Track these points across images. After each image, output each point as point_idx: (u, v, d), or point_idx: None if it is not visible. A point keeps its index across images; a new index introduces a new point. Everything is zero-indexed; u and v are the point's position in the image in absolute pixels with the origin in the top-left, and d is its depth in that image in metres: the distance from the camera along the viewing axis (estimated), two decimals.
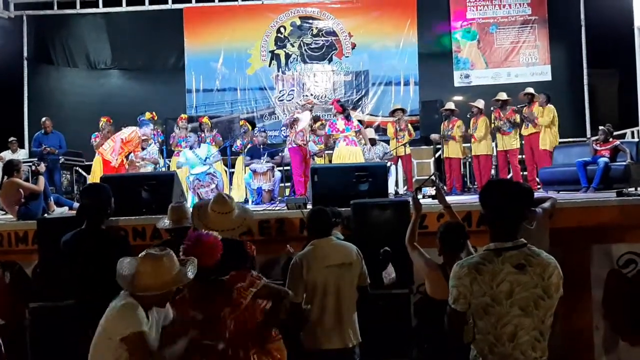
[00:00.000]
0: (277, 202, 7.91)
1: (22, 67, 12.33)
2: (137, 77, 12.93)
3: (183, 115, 10.20)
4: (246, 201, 8.70)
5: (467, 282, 2.37)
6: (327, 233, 3.78)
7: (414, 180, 9.73)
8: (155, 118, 9.68)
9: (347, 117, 8.82)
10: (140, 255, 2.92)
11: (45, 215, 6.52)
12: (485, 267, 2.37)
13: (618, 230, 5.62)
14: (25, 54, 12.36)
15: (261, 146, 9.55)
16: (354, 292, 3.74)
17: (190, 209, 5.07)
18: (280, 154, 9.54)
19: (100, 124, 9.48)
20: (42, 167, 7.08)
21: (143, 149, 9.02)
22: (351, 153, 8.59)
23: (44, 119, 10.12)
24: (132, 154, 8.91)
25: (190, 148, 8.82)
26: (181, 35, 12.63)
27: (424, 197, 7.01)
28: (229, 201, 3.69)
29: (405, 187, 9.56)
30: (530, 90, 9.15)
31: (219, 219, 3.57)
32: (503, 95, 9.28)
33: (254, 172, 8.79)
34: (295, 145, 8.51)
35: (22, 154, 10.80)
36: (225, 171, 9.45)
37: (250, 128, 9.92)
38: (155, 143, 9.19)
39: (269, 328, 3.11)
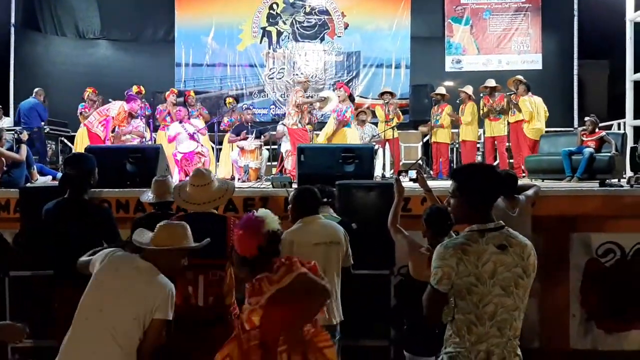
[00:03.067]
0: (263, 181, 7.90)
1: (9, 33, 12.06)
2: (125, 48, 12.72)
3: (174, 89, 10.09)
4: (232, 179, 8.66)
5: (453, 263, 2.40)
6: (315, 211, 3.80)
7: (400, 164, 9.74)
8: (143, 92, 9.58)
9: (352, 101, 9.05)
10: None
11: (28, 184, 6.47)
12: (470, 248, 2.41)
13: (599, 220, 5.71)
14: (12, 21, 12.10)
15: (249, 124, 9.49)
16: (339, 270, 3.76)
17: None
18: (268, 132, 9.49)
19: (86, 95, 9.36)
20: (25, 136, 7.02)
21: (129, 122, 8.93)
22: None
23: (40, 89, 9.88)
24: (117, 128, 8.84)
25: (180, 122, 8.76)
26: (172, 7, 12.44)
27: (410, 180, 7.02)
28: (206, 174, 3.68)
29: (392, 171, 9.56)
30: (520, 77, 9.17)
31: (197, 192, 3.56)
32: (491, 82, 9.29)
33: (242, 149, 8.74)
34: (300, 127, 8.44)
35: (7, 122, 10.64)
36: (212, 148, 9.40)
37: (236, 105, 9.88)
38: (141, 117, 9.09)
39: None
